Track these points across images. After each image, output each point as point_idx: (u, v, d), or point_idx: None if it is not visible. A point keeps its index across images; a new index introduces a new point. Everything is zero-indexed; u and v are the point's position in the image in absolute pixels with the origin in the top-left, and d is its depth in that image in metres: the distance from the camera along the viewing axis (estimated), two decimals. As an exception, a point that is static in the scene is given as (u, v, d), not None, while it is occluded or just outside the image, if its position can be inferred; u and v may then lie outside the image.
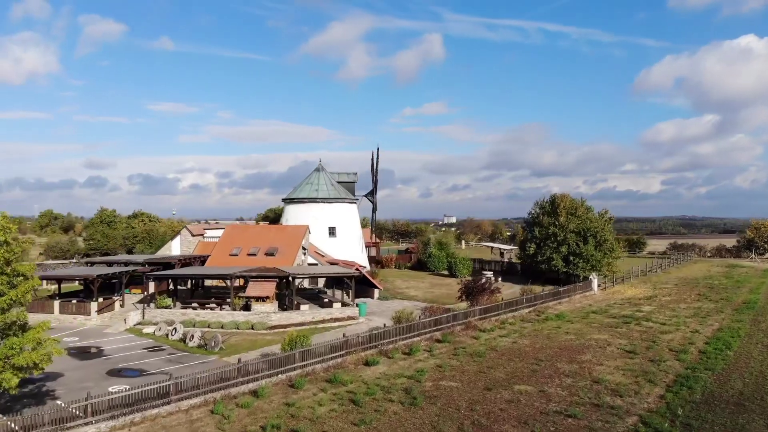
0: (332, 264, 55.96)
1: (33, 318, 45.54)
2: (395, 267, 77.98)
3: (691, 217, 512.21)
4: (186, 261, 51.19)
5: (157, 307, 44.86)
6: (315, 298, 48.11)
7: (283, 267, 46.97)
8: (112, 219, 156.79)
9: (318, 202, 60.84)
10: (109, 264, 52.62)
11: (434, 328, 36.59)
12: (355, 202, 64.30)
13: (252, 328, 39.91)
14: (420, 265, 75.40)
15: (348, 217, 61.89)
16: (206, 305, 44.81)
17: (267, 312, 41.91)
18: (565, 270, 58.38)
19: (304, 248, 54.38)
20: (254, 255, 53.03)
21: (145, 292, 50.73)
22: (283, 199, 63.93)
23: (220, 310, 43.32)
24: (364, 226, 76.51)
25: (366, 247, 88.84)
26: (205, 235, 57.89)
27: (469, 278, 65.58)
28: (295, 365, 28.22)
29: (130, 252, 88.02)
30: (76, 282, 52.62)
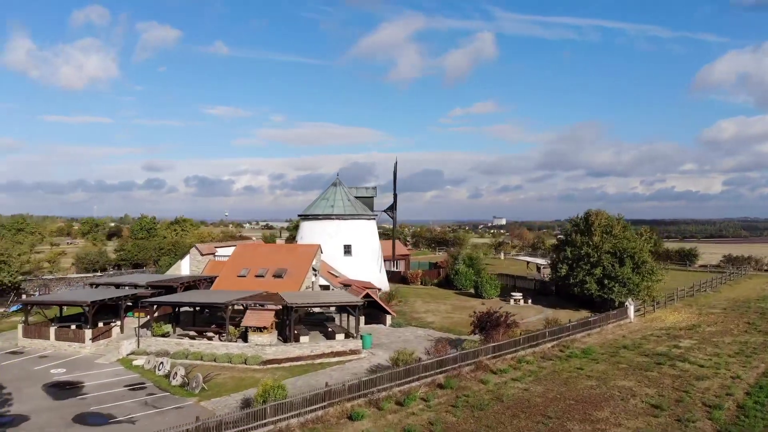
0: (345, 285, 53.21)
1: (30, 344, 44.72)
2: (421, 284, 74.67)
3: (753, 218, 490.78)
4: (190, 283, 49.25)
5: (154, 335, 42.98)
6: (321, 325, 45.38)
7: (285, 293, 44.45)
8: (152, 226, 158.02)
9: (333, 218, 58.10)
10: (117, 286, 51.06)
11: (437, 371, 33.30)
12: (373, 218, 61.31)
13: (245, 363, 37.48)
14: (448, 282, 71.83)
15: (365, 234, 58.97)
16: (204, 333, 42.69)
17: (263, 344, 39.43)
18: (599, 294, 53.96)
19: (314, 269, 51.77)
20: (262, 277, 50.76)
21: (149, 317, 49.02)
22: (299, 215, 61.55)
23: (220, 339, 41.06)
24: (394, 237, 73.44)
25: (395, 260, 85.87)
26: (216, 254, 55.98)
27: (496, 299, 61.93)
28: (266, 420, 25.48)
29: (156, 263, 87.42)
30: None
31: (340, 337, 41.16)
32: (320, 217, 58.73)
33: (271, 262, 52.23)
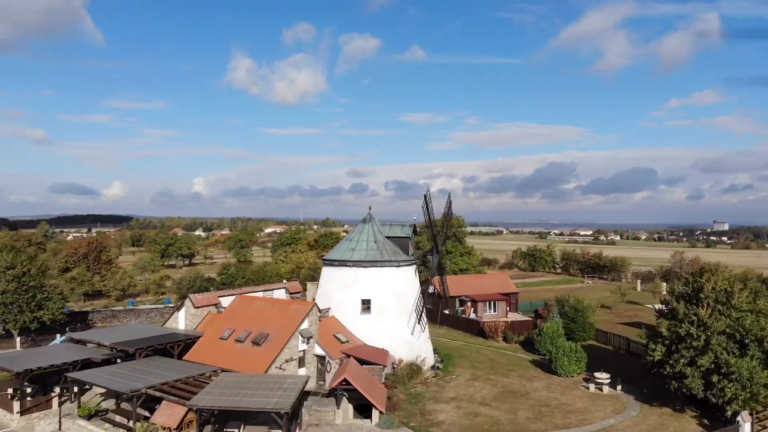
0: (345, 356, 42.75)
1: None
2: (504, 340, 60.82)
3: None
4: (157, 346, 42.48)
5: (80, 415, 36.84)
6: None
7: (227, 376, 35.68)
8: (292, 240, 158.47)
9: (348, 266, 47.49)
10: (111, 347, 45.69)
11: None
12: (407, 265, 48.94)
13: (124, 480, 29.32)
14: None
15: (391, 285, 47.36)
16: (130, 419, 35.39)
17: (162, 452, 31.00)
18: (703, 394, 37.11)
19: (303, 335, 42.09)
20: (241, 342, 42.57)
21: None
22: (323, 259, 51.88)
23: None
24: (444, 282, 60.55)
25: (492, 302, 72.74)
26: (218, 306, 48.77)
27: (578, 378, 47.01)
28: None
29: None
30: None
31: (268, 449, 31.19)
32: (336, 263, 48.62)
33: (257, 323, 43.77)
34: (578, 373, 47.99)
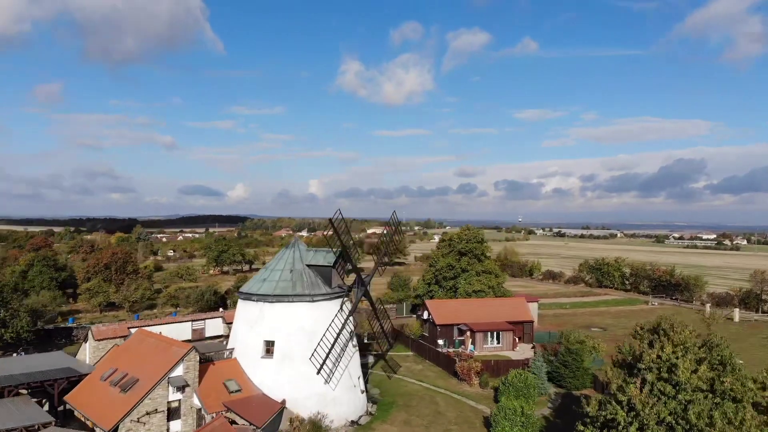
0: (226, 409, 36.47)
1: None
2: (480, 385, 51.68)
3: None
4: (36, 384, 38.43)
5: None
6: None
7: None
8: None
9: (254, 300, 40.83)
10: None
11: None
12: (325, 300, 40.95)
13: None
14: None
15: (301, 324, 39.87)
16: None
17: None
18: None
19: (173, 384, 36.24)
20: (114, 386, 37.64)
21: None
22: (239, 291, 45.16)
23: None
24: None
25: (498, 332, 63.81)
26: (127, 338, 44.00)
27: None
28: None
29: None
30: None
31: None
32: (242, 296, 42.20)
33: (137, 364, 38.68)
34: (529, 445, 38.58)
